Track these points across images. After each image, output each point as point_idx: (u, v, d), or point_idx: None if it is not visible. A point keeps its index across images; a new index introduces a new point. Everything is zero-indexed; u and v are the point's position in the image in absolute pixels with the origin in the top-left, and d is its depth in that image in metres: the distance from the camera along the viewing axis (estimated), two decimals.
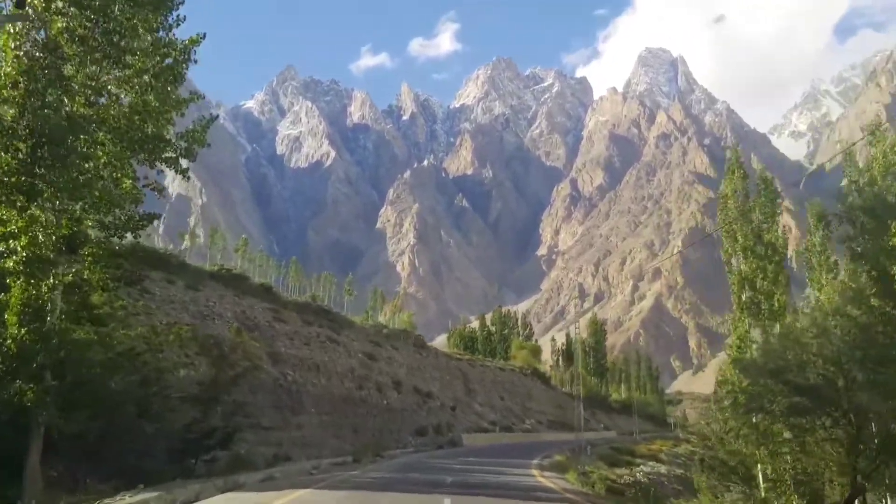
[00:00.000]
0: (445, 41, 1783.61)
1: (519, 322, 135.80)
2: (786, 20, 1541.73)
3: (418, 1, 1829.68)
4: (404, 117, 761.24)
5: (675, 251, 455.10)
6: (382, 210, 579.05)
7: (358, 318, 68.95)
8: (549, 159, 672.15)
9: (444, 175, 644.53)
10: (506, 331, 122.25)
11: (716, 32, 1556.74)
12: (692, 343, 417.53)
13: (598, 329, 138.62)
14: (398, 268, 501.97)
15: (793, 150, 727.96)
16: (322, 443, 42.50)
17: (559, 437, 69.46)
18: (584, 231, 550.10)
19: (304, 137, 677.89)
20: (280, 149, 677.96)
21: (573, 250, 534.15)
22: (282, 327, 48.30)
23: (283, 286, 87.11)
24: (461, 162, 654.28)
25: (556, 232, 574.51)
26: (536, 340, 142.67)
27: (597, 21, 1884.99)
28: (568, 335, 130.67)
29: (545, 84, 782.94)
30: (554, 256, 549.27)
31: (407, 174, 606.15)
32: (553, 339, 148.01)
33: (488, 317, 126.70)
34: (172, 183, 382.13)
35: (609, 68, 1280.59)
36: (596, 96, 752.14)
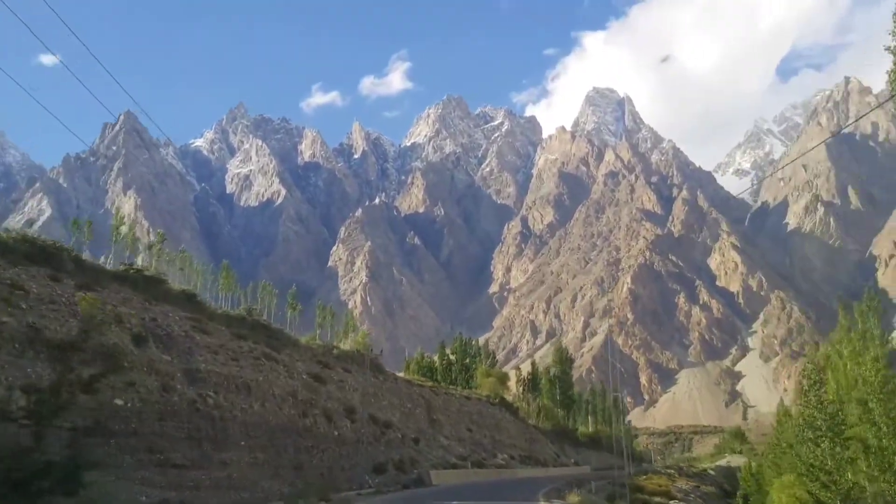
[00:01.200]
0: (396, 79, 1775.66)
1: (482, 351, 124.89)
2: (730, 61, 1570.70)
3: (369, 39, 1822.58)
4: (356, 155, 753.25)
5: (625, 287, 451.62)
6: (334, 248, 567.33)
7: (304, 338, 59.12)
8: (499, 197, 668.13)
9: (395, 213, 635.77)
10: (467, 360, 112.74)
11: (661, 72, 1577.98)
12: (643, 379, 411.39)
13: (563, 357, 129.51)
14: (350, 306, 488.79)
15: (737, 187, 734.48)
16: (254, 484, 32.47)
17: (536, 474, 61.03)
18: (535, 268, 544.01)
19: (254, 176, 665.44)
20: (230, 187, 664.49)
21: (524, 287, 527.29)
22: (203, 339, 38.29)
23: (212, 297, 75.17)
24: (413, 200, 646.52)
25: (508, 269, 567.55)
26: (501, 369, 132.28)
27: (546, 61, 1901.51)
28: (534, 363, 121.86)
29: (495, 123, 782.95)
30: (506, 294, 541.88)
31: (359, 212, 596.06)
32: (518, 369, 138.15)
33: (448, 346, 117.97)
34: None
35: (558, 107, 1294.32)
36: (545, 135, 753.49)
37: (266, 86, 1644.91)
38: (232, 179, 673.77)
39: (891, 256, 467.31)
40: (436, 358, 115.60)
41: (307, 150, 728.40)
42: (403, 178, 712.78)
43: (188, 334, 37.03)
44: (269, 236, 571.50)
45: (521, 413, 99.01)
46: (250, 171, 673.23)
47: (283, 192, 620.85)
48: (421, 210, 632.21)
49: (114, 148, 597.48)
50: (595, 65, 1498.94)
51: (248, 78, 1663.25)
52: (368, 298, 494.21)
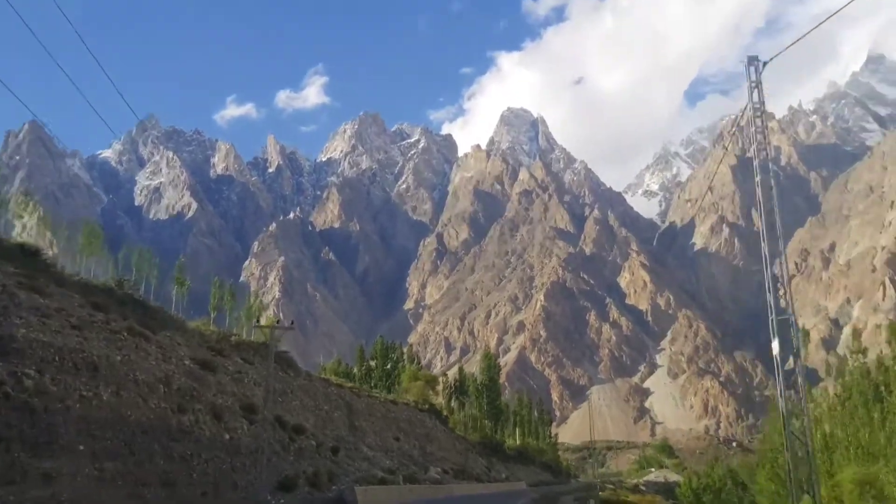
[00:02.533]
0: (313, 94, 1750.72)
1: (405, 355, 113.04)
2: (640, 85, 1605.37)
3: (286, 53, 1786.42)
4: (270, 169, 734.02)
5: (538, 305, 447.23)
6: (246, 263, 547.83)
7: (195, 322, 47.01)
8: (415, 214, 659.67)
9: (310, 228, 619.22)
10: (388, 365, 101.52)
11: (575, 94, 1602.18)
12: (554, 395, 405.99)
13: (492, 365, 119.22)
14: (262, 322, 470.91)
15: (646, 208, 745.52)
16: None
17: (477, 491, 51.29)
18: (450, 285, 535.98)
19: (164, 188, 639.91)
20: (139, 199, 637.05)
21: (439, 304, 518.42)
22: (32, 300, 26.75)
23: (70, 262, 58.74)
24: (328, 215, 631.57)
25: (423, 286, 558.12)
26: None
27: (462, 79, 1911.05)
28: (461, 370, 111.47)
29: (412, 140, 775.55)
30: (421, 310, 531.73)
31: (272, 227, 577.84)
32: (445, 375, 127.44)
33: (368, 352, 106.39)
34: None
35: (474, 126, 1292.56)
36: (461, 153, 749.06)
37: (179, 97, 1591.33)
38: (141, 192, 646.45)
39: (791, 276, 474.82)
40: (355, 368, 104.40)
41: (220, 162, 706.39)
42: (319, 193, 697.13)
43: (6, 289, 25.40)
44: (178, 250, 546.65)
45: (450, 423, 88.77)
46: (160, 183, 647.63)
47: (195, 205, 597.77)
48: (336, 225, 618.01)
49: (17, 157, 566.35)
50: (510, 85, 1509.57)
51: (161, 88, 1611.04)
52: (281, 314, 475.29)
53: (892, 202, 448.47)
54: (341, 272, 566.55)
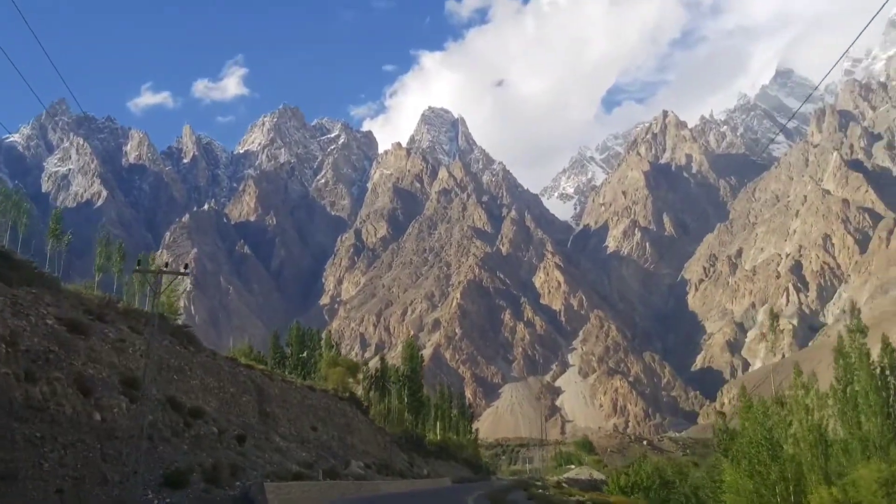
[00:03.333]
0: (232, 85, 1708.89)
1: (323, 342, 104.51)
2: (559, 90, 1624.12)
3: (205, 42, 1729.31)
4: (185, 160, 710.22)
5: (454, 303, 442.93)
6: (157, 254, 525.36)
7: (76, 285, 38.92)
8: (333, 209, 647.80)
9: (225, 221, 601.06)
10: (305, 353, 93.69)
11: (495, 96, 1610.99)
12: (468, 392, 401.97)
13: (414, 355, 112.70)
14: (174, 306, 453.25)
15: (561, 210, 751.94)
16: None
17: (405, 488, 45.14)
18: (366, 281, 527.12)
19: (73, 175, 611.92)
20: (46, 186, 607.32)
21: (355, 300, 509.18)
22: None
23: None
24: (244, 208, 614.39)
25: (339, 281, 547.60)
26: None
27: (385, 77, 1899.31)
28: (383, 359, 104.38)
29: (332, 135, 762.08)
30: (336, 306, 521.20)
31: (186, 218, 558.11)
32: (366, 364, 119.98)
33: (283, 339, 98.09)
34: None
35: (395, 123, 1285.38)
36: (381, 150, 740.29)
37: (91, 82, 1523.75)
38: (49, 178, 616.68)
39: (700, 281, 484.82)
40: (268, 359, 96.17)
41: (133, 151, 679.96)
42: (235, 185, 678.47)
43: None
44: (85, 239, 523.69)
45: (371, 414, 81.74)
46: (69, 170, 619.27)
47: (105, 193, 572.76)
48: (252, 218, 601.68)
49: None
50: (432, 84, 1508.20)
51: (73, 73, 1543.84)
52: (193, 307, 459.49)
53: (797, 212, 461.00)
54: (256, 266, 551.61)
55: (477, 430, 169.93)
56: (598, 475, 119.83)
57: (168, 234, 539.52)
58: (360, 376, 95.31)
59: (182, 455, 26.76)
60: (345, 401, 68.31)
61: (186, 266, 32.26)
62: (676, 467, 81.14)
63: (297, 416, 44.83)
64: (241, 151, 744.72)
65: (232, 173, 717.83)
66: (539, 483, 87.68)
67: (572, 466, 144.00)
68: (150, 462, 22.51)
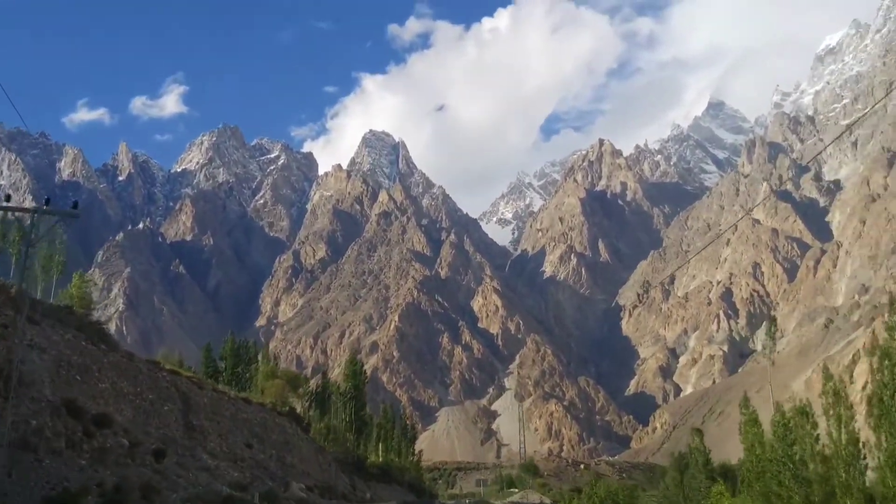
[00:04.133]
0: (171, 102, 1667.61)
1: (261, 356, 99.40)
2: (499, 116, 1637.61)
3: (144, 58, 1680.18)
4: (121, 177, 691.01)
5: (393, 325, 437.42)
6: (89, 273, 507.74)
7: None
8: (272, 230, 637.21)
9: (160, 240, 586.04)
10: (240, 367, 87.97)
11: (436, 121, 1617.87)
12: (402, 419, 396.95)
13: (358, 371, 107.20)
14: None
15: (500, 235, 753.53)
16: None
17: None
18: (304, 303, 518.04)
19: (4, 191, 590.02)
20: None
21: (293, 322, 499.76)
22: None
23: None
24: (180, 227, 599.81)
25: (277, 303, 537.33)
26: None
27: (326, 98, 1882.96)
28: (325, 374, 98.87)
29: (272, 156, 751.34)
30: (273, 328, 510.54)
31: (120, 236, 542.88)
32: (306, 379, 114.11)
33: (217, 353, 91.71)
34: None
35: (336, 145, 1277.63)
36: (321, 171, 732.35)
37: (25, 97, 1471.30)
38: None
39: (633, 307, 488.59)
40: (198, 370, 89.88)
41: (67, 168, 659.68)
42: (171, 204, 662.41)
43: None
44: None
45: (312, 438, 76.09)
46: (0, 185, 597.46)
47: None
48: (188, 238, 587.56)
49: None
50: (374, 107, 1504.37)
51: (5, 87, 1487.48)
52: (125, 328, 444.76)
53: (728, 240, 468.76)
54: (192, 286, 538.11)
55: (420, 451, 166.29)
56: (545, 499, 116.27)
57: (101, 252, 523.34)
58: (301, 391, 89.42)
59: (77, 472, 22.01)
60: (284, 416, 62.99)
61: (75, 205, 27.08)
62: (627, 491, 77.84)
63: (230, 431, 39.86)
64: (179, 170, 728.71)
65: (168, 192, 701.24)
66: None
67: (515, 490, 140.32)
68: (29, 480, 17.87)
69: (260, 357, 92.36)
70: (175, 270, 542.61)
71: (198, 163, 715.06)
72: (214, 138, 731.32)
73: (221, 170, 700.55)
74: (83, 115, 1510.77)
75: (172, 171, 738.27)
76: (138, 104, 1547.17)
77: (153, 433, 28.14)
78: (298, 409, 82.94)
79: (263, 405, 56.23)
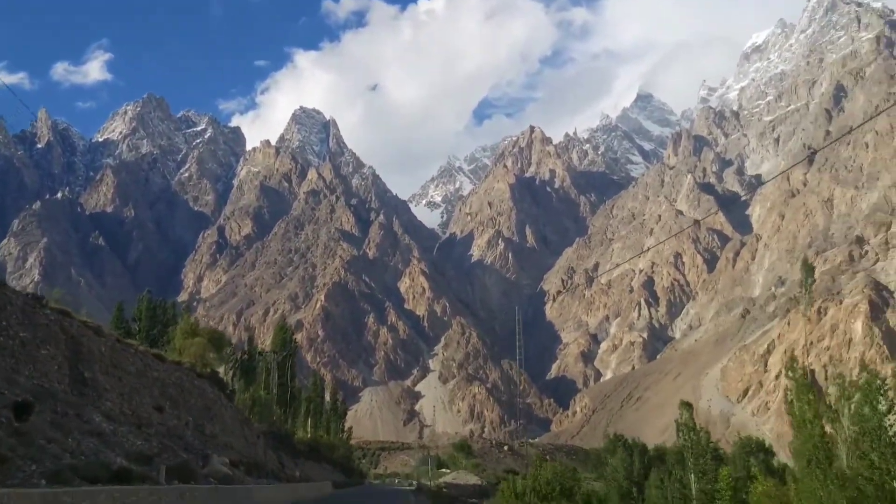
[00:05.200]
0: (95, 69, 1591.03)
1: (181, 316, 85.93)
2: (432, 99, 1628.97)
3: (67, 22, 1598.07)
4: (39, 145, 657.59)
5: (318, 304, 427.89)
6: (3, 242, 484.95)
7: None
8: (196, 204, 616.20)
9: (80, 210, 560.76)
10: (156, 329, 77.04)
11: (368, 101, 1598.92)
12: (328, 396, 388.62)
13: (288, 338, 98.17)
14: None
15: (429, 218, 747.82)
16: None
17: (287, 495, 33.51)
18: (228, 279, 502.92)
19: None
20: None
21: (216, 298, 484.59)
22: None
23: None
24: (101, 198, 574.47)
25: (200, 279, 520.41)
26: None
27: (257, 72, 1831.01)
28: (251, 339, 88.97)
29: (198, 128, 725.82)
30: (195, 304, 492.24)
31: (37, 205, 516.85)
32: (230, 344, 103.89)
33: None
34: None
35: (265, 121, 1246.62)
36: (249, 146, 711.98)
37: None
38: None
39: (558, 293, 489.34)
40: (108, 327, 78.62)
41: None
42: (92, 174, 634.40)
43: None
44: None
45: (236, 406, 67.15)
46: None
47: None
48: (109, 210, 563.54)
49: None
50: (305, 83, 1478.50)
51: None
52: None
53: (651, 230, 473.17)
54: (111, 259, 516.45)
55: (350, 428, 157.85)
56: (475, 480, 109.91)
57: (17, 221, 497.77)
58: (226, 353, 79.91)
59: None
60: (205, 378, 54.77)
61: None
62: (570, 473, 72.04)
63: (135, 391, 31.06)
64: (101, 140, 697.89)
65: (89, 161, 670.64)
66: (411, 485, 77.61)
67: (446, 471, 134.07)
68: None
69: (182, 319, 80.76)
70: (94, 242, 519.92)
71: (121, 133, 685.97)
72: (139, 108, 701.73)
73: (145, 141, 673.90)
74: (2, 78, 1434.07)
75: (94, 140, 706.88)
76: (60, 70, 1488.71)
77: (22, 383, 20.17)
78: (227, 373, 74.45)
79: (181, 365, 49.51)
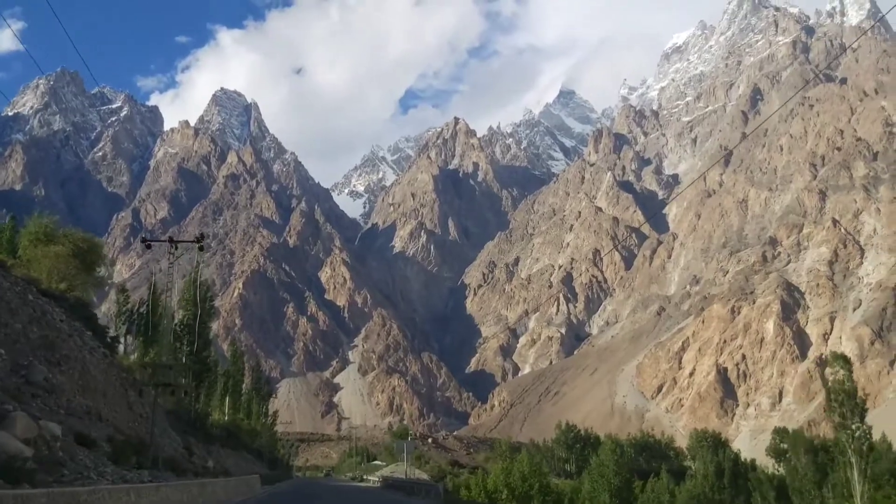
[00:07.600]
0: (5, 39, 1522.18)
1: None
2: (358, 86, 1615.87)
3: None
4: None
5: (236, 292, 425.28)
6: None
7: None
8: (110, 185, 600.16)
9: None
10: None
11: (292, 84, 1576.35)
12: (249, 375, 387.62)
13: (205, 296, 77.62)
14: None
15: (351, 207, 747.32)
16: None
17: (176, 498, 27.96)
18: (142, 264, 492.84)
19: None
20: None
21: (129, 283, 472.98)
22: None
23: None
24: (9, 175, 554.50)
25: (113, 262, 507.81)
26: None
27: (177, 49, 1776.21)
28: (154, 290, 70.64)
29: (114, 106, 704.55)
30: (107, 288, 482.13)
31: None
32: (125, 292, 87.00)
33: None
34: None
35: (184, 99, 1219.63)
36: (167, 127, 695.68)
37: None
38: None
39: (479, 286, 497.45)
40: None
41: None
42: (0, 149, 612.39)
43: None
44: None
45: (120, 362, 53.13)
46: None
47: None
48: (18, 187, 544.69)
49: None
50: (228, 63, 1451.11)
51: None
52: None
53: (571, 226, 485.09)
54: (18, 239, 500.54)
55: (276, 412, 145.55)
56: (420, 474, 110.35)
57: None
58: (103, 273, 64.80)
59: None
60: (63, 302, 43.71)
61: None
62: (537, 468, 70.59)
63: None
64: (10, 114, 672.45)
65: None
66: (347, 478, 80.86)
67: (381, 463, 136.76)
68: None
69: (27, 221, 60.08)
70: (1, 221, 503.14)
71: (32, 107, 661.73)
72: (52, 82, 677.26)
73: (58, 117, 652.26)
74: None
75: (3, 114, 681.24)
76: None
77: None
78: (103, 320, 63.44)
79: (25, 280, 40.31)
